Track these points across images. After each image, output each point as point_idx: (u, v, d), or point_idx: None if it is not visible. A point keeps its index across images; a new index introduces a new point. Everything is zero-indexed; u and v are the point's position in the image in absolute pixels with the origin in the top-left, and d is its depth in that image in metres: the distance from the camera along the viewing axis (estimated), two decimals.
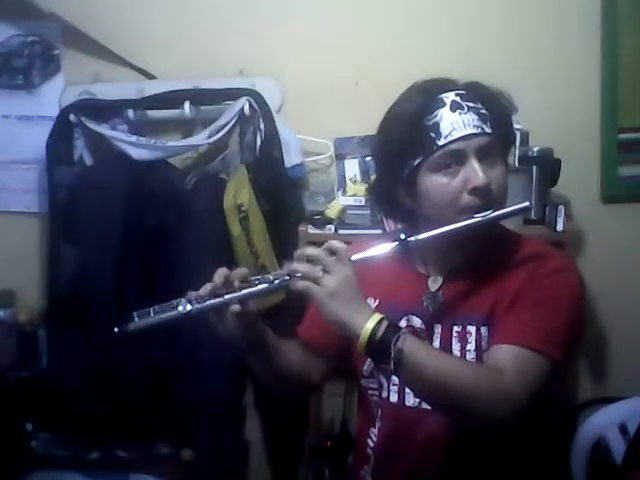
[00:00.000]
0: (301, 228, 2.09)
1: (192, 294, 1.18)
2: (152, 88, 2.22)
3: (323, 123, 2.19)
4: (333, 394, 2.18)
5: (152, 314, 1.18)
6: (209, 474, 2.13)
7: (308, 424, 2.19)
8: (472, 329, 1.24)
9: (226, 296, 1.18)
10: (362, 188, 2.12)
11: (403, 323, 1.29)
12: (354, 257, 1.17)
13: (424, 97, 1.21)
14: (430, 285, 1.31)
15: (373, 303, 1.32)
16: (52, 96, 2.33)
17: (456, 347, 1.25)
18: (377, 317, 1.12)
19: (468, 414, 1.14)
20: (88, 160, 2.27)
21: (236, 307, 1.18)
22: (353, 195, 2.12)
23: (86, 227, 2.14)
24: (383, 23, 2.18)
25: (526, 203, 1.23)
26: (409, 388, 1.24)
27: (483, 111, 1.21)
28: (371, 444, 1.36)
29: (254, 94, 2.12)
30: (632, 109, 2.13)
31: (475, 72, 1.29)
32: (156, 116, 2.25)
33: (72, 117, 2.22)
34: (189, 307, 1.16)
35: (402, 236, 1.19)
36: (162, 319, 1.17)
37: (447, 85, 1.23)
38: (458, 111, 1.19)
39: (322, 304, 1.12)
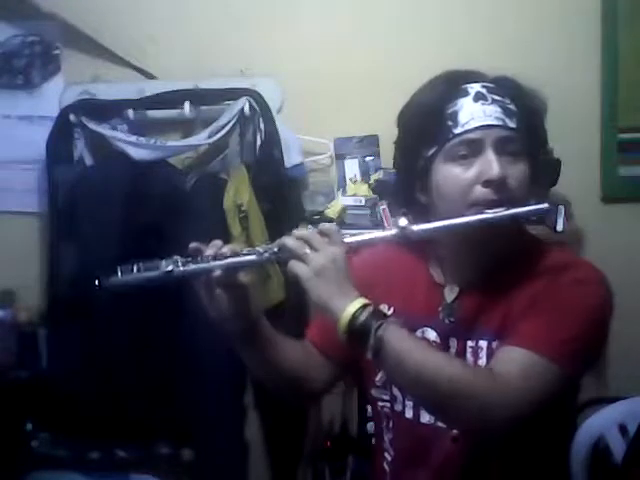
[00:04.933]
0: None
1: (177, 257, 1.14)
2: (152, 88, 2.22)
3: (323, 123, 2.19)
4: (333, 394, 2.17)
5: (135, 271, 1.14)
6: (209, 474, 2.14)
7: (308, 424, 2.19)
8: (484, 344, 1.17)
9: (211, 262, 1.14)
10: (362, 188, 2.13)
11: (417, 335, 1.21)
12: (347, 239, 1.12)
13: (447, 86, 1.16)
14: (446, 295, 1.23)
15: (387, 312, 1.22)
16: (52, 96, 2.32)
17: (468, 362, 1.17)
18: (361, 301, 1.06)
19: (458, 415, 1.07)
20: (88, 160, 2.26)
21: (217, 272, 1.12)
22: (353, 195, 2.12)
23: (86, 227, 2.15)
24: (383, 23, 2.18)
25: (544, 205, 1.14)
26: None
27: (510, 106, 1.15)
28: (388, 457, 1.29)
29: (254, 94, 2.12)
30: (632, 109, 2.13)
31: None
32: (156, 116, 2.25)
33: (72, 117, 2.22)
34: (171, 267, 1.13)
35: (402, 223, 1.12)
36: (144, 277, 1.14)
37: (474, 76, 1.18)
38: (481, 102, 1.14)
39: (305, 282, 1.07)
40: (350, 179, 2.20)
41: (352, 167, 2.20)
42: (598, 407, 1.96)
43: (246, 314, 1.19)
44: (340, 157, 2.21)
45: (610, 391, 2.13)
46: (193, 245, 1.16)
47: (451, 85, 1.16)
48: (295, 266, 1.09)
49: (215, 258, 1.14)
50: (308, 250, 1.08)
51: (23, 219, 2.39)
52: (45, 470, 2.15)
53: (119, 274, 1.15)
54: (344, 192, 2.16)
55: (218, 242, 1.16)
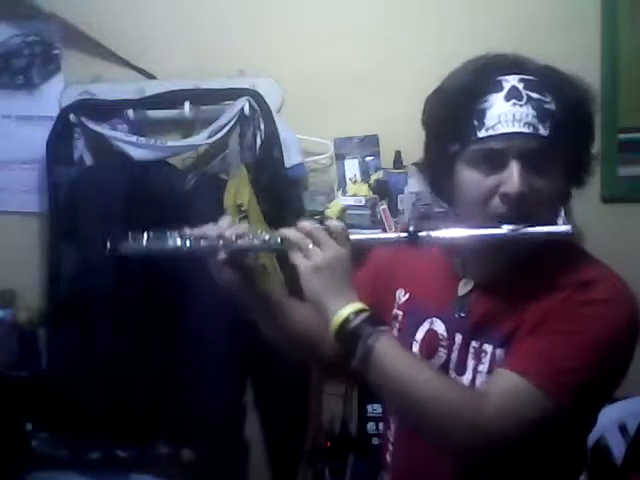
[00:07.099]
0: None
1: (188, 232, 1.15)
2: (152, 88, 2.22)
3: (323, 123, 2.19)
4: (333, 394, 2.18)
5: (145, 241, 1.17)
6: (209, 474, 2.14)
7: (308, 424, 2.19)
8: (488, 348, 1.09)
9: (217, 243, 1.16)
10: (362, 188, 2.13)
11: (426, 326, 1.17)
12: (353, 237, 1.08)
13: (481, 75, 1.06)
14: (459, 288, 1.16)
15: (403, 296, 1.22)
16: (52, 96, 2.33)
17: (470, 365, 1.11)
18: (356, 306, 1.02)
19: (440, 434, 1.02)
20: (88, 160, 2.27)
21: (222, 255, 1.13)
22: (353, 195, 2.12)
23: (86, 227, 2.15)
24: (383, 23, 2.18)
25: (567, 227, 1.05)
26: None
27: (548, 106, 1.03)
28: (390, 448, 1.25)
29: (254, 94, 2.13)
30: (632, 109, 2.13)
31: None
32: (156, 116, 2.25)
33: (72, 117, 2.22)
34: (179, 243, 1.16)
35: (411, 228, 1.08)
36: (154, 248, 1.17)
37: (514, 66, 1.07)
38: (513, 101, 1.02)
39: (303, 277, 1.04)
40: (350, 179, 2.20)
41: (352, 167, 2.20)
42: None
43: (253, 290, 1.20)
44: (340, 157, 2.21)
45: None
46: (201, 231, 1.16)
47: (486, 75, 1.06)
48: (295, 257, 1.06)
49: (222, 238, 1.14)
50: (310, 245, 1.05)
51: (23, 219, 2.39)
52: (45, 470, 2.16)
53: (130, 241, 1.16)
54: (344, 192, 2.16)
55: (227, 220, 1.17)
